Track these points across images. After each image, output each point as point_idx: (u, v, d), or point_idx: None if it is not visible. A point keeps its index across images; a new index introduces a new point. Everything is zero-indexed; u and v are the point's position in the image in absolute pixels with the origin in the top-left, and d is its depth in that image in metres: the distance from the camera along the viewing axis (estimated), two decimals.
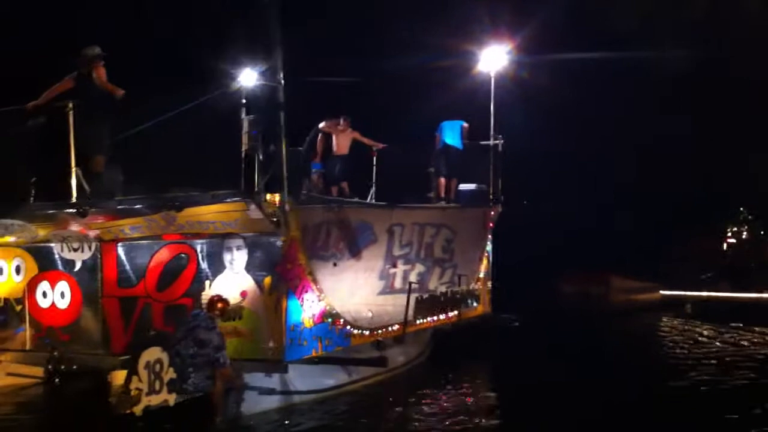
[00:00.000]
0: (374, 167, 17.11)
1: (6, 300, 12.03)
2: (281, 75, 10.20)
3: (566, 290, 20.20)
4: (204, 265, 10.59)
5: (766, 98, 21.22)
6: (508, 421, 10.24)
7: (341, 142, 15.39)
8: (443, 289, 14.31)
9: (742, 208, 25.34)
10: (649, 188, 30.00)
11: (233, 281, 10.35)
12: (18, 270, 11.91)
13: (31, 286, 11.77)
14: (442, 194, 15.58)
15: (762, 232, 23.98)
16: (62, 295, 11.52)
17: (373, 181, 17.00)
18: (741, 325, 17.91)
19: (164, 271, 10.83)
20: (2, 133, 10.76)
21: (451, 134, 16.00)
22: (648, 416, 10.12)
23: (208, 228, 10.29)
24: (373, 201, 15.33)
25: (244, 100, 14.54)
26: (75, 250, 11.40)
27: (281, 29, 10.13)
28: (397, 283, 12.94)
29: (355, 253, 11.81)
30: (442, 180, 15.73)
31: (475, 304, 15.39)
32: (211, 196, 9.96)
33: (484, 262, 15.96)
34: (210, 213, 10.03)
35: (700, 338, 16.36)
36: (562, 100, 23.27)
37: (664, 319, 19.28)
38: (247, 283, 10.29)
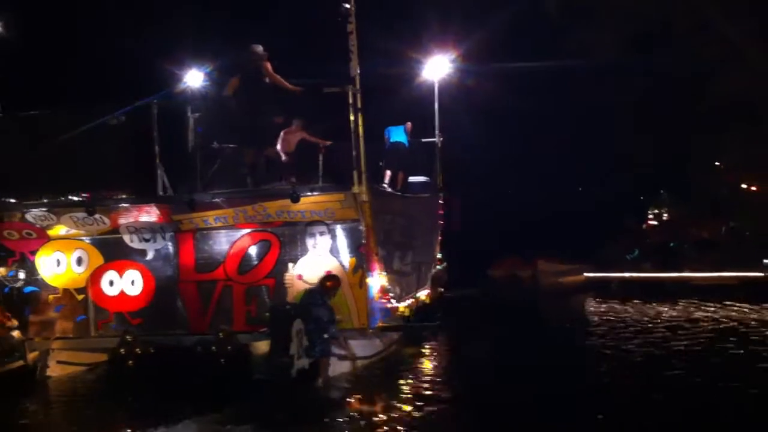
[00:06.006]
0: (320, 163, 18.82)
1: (65, 290, 12.56)
2: (358, 82, 11.75)
3: (495, 274, 21.89)
4: (286, 249, 11.97)
5: (687, 86, 23.86)
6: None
7: (291, 141, 16.87)
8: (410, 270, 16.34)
9: (662, 191, 27.94)
10: (579, 175, 32.87)
11: (317, 263, 11.83)
12: (79, 261, 12.47)
13: (96, 276, 12.42)
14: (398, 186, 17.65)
15: (682, 215, 26.47)
16: (132, 282, 12.31)
17: (320, 176, 18.66)
18: (659, 300, 19.29)
19: (246, 255, 12.04)
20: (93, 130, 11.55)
21: (398, 134, 18.24)
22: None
23: (296, 217, 11.72)
24: None
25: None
26: (147, 240, 12.26)
27: (358, 40, 11.69)
28: None
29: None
30: (390, 173, 17.76)
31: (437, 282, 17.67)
32: (310, 189, 11.48)
33: (438, 246, 18.30)
34: (305, 203, 11.49)
35: (621, 315, 17.73)
36: (498, 101, 25.82)
37: (592, 301, 20.53)
38: (332, 264, 11.83)
